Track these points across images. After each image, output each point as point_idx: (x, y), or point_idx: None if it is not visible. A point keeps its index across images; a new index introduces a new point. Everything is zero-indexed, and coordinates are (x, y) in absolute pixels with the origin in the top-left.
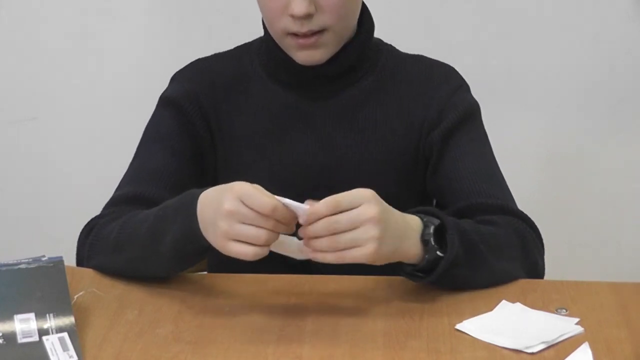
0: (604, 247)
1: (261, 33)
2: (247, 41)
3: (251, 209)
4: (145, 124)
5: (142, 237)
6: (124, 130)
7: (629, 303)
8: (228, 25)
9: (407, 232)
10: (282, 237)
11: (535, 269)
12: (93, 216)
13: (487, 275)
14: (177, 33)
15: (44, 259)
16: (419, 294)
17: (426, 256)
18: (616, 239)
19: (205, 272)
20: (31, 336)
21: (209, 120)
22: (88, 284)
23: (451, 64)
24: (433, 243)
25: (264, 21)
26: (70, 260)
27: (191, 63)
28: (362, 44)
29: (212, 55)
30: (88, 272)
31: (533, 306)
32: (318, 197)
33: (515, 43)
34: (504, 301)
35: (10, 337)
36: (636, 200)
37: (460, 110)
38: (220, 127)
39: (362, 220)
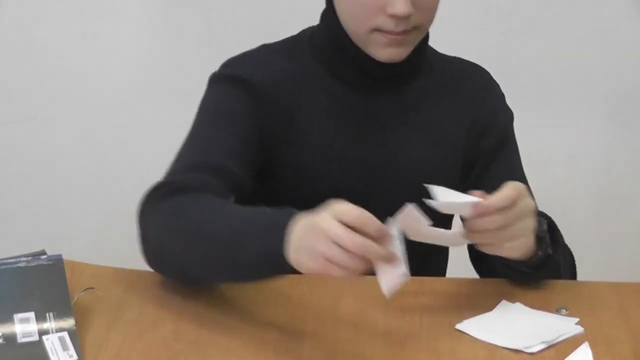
0: (604, 247)
1: (262, 32)
2: (246, 40)
3: (352, 227)
4: (145, 124)
5: (221, 238)
6: (124, 130)
7: (629, 303)
8: (228, 25)
9: None
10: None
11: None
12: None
13: (568, 269)
14: (177, 33)
15: (43, 256)
16: (418, 294)
17: (539, 252)
18: (616, 239)
19: None
20: (31, 336)
21: (272, 111)
22: (88, 283)
23: None
24: (548, 241)
25: (347, 16)
26: (69, 259)
27: (243, 54)
28: (424, 42)
29: (261, 48)
30: (88, 269)
31: (533, 306)
32: (375, 195)
33: (514, 43)
34: (504, 301)
35: (10, 337)
36: (636, 200)
37: (507, 118)
38: (281, 122)
39: (526, 213)
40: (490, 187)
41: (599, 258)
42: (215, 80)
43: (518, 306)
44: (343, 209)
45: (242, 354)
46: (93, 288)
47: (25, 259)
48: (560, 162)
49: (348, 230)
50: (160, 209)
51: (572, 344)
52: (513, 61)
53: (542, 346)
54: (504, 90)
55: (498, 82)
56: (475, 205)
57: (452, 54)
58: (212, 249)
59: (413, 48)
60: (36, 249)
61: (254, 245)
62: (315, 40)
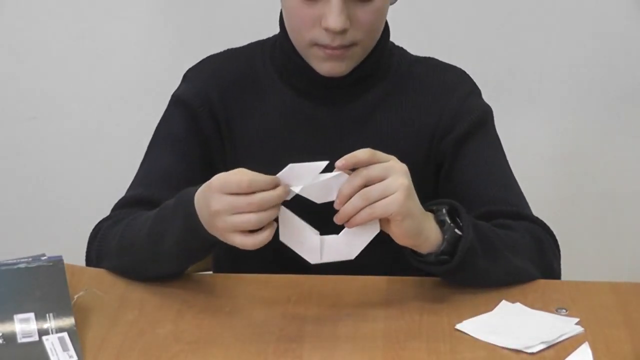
0: (604, 247)
1: (262, 33)
2: (246, 41)
3: (233, 194)
4: (145, 124)
5: (143, 239)
6: (124, 130)
7: (629, 303)
8: (228, 25)
9: (426, 214)
10: (300, 232)
11: (551, 272)
12: (101, 217)
13: (506, 270)
14: (177, 33)
15: (43, 258)
16: (418, 294)
17: (445, 236)
18: (616, 239)
19: (210, 272)
20: (31, 336)
21: (219, 121)
22: (88, 284)
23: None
24: (449, 222)
25: (288, 28)
26: (69, 259)
27: (203, 60)
28: (380, 53)
29: (225, 52)
30: (88, 272)
31: (533, 306)
32: (325, 206)
33: (514, 43)
34: (504, 301)
35: (10, 337)
36: (636, 200)
37: (472, 117)
38: (230, 130)
39: (391, 170)
40: (460, 180)
41: (599, 258)
42: (170, 100)
43: (518, 306)
44: (226, 182)
45: (242, 354)
46: (93, 288)
47: (26, 260)
48: (559, 162)
49: (236, 197)
50: (105, 237)
51: (572, 344)
52: (512, 62)
53: (542, 346)
54: (501, 91)
55: (496, 82)
56: (337, 175)
57: (453, 53)
58: (142, 251)
59: (357, 63)
60: (35, 249)
61: (170, 231)
62: (274, 45)
